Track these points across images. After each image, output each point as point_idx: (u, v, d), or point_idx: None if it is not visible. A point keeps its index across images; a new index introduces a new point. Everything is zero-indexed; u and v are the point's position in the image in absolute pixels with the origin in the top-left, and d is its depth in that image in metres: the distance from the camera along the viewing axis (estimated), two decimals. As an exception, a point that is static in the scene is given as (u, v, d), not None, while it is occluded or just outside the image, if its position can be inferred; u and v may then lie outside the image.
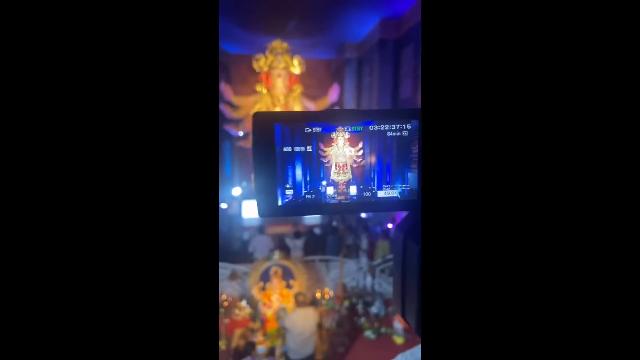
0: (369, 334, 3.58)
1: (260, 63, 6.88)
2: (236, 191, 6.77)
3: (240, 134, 7.26)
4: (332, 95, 7.16)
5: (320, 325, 3.41)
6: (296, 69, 6.93)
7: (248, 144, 7.30)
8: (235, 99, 7.11)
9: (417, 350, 0.63)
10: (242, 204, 6.66)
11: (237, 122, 7.31)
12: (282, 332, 3.20)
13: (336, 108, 7.29)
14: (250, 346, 2.97)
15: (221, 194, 8.10)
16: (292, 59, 6.91)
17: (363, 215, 7.20)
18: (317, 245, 5.27)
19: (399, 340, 3.42)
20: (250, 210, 6.68)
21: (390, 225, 5.79)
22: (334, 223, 6.02)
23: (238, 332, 3.42)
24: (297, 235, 5.32)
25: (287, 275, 3.66)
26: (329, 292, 4.12)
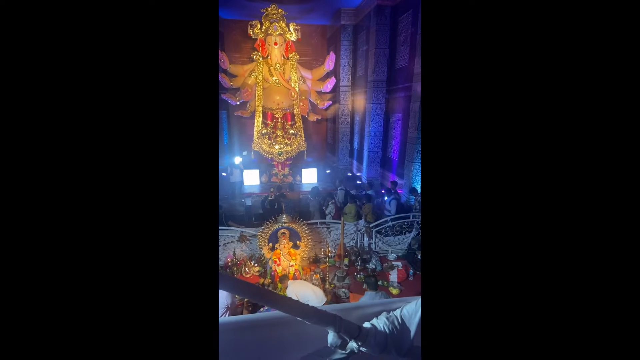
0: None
1: (256, 29, 6.74)
2: (237, 160, 6.93)
3: (237, 103, 7.26)
4: (329, 64, 7.16)
5: (323, 280, 3.83)
6: (292, 36, 6.81)
7: (245, 113, 7.33)
8: (231, 68, 7.02)
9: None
10: (244, 172, 6.82)
11: (234, 91, 7.28)
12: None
13: (332, 78, 7.30)
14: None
15: (220, 162, 8.22)
16: (287, 25, 6.77)
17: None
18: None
19: (394, 291, 3.84)
20: (251, 178, 6.87)
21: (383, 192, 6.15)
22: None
23: (250, 287, 3.82)
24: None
25: (293, 236, 3.99)
26: (330, 251, 4.53)
